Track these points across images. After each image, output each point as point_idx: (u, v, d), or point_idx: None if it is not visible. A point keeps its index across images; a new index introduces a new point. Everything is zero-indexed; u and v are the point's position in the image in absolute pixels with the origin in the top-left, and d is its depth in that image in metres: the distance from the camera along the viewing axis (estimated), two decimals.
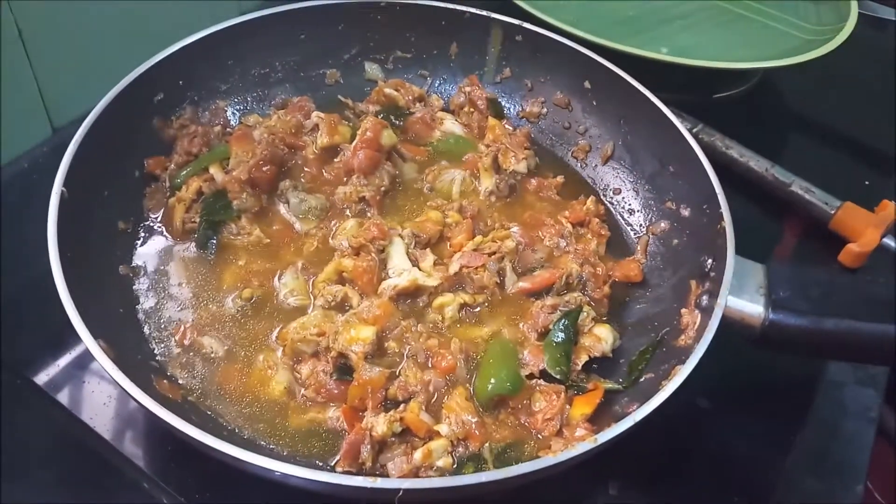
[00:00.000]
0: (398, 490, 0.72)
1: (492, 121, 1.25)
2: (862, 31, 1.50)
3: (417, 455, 0.84)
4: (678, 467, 1.00)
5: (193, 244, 1.06)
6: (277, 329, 0.98)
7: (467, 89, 1.28)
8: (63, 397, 0.98)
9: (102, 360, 0.78)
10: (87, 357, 1.01)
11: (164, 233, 1.08)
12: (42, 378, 0.99)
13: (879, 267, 1.24)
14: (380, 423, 0.85)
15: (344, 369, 0.91)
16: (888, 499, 1.40)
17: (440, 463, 0.84)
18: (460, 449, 0.87)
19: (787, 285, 0.91)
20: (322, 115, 1.18)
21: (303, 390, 0.92)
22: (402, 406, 0.88)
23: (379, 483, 0.72)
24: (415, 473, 0.84)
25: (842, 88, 1.62)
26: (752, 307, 0.89)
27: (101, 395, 0.98)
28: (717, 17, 1.63)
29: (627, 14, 1.62)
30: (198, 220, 1.06)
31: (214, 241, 1.06)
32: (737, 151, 1.35)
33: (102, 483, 0.91)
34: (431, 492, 0.74)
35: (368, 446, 0.84)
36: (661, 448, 0.99)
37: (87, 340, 0.79)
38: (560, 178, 1.20)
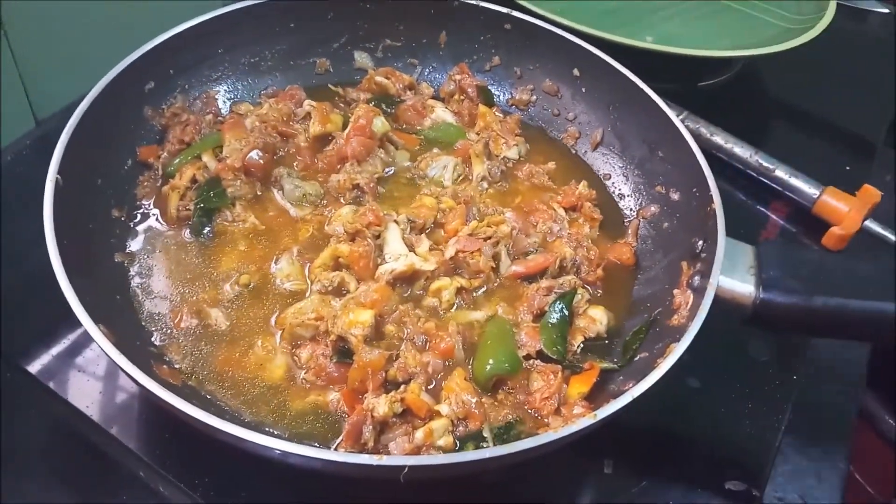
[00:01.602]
0: (403, 467, 0.73)
1: (482, 108, 1.26)
2: (840, 21, 1.53)
3: (419, 434, 0.85)
4: (671, 446, 1.02)
5: (188, 231, 1.06)
6: (275, 314, 0.98)
7: (457, 77, 1.29)
8: (57, 386, 0.97)
9: (105, 345, 0.78)
10: (79, 346, 1.01)
11: (159, 220, 1.07)
12: (35, 367, 0.98)
13: (861, 250, 1.27)
14: (381, 404, 0.85)
15: (343, 352, 0.92)
16: (875, 487, 1.43)
17: (441, 442, 0.85)
18: (460, 429, 0.88)
19: (776, 265, 0.92)
20: (314, 103, 1.18)
21: (303, 374, 0.93)
22: (402, 387, 0.89)
23: (385, 460, 0.73)
24: (417, 453, 0.84)
25: (822, 76, 1.65)
26: (743, 287, 0.91)
27: (96, 383, 0.98)
28: (699, 7, 1.66)
29: (611, 5, 1.64)
30: (192, 207, 1.06)
31: (209, 228, 1.06)
32: (721, 138, 1.37)
33: (99, 471, 0.91)
34: (436, 468, 0.75)
35: (370, 427, 0.84)
36: (653, 427, 1.01)
37: (89, 326, 0.79)
38: (552, 164, 1.21)
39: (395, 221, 1.04)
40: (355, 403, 0.88)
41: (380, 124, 1.16)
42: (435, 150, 1.21)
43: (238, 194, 1.08)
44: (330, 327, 0.92)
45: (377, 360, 0.89)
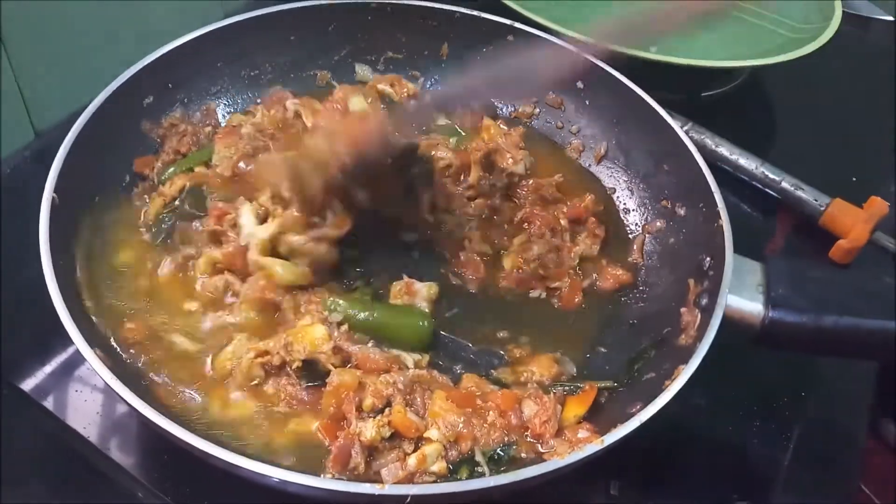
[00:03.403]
0: (406, 496, 0.71)
1: (486, 121, 1.24)
2: (846, 29, 1.51)
3: (412, 461, 0.82)
4: (678, 465, 1.00)
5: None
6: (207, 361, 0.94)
7: None
8: (52, 405, 0.96)
9: (101, 370, 0.77)
10: (75, 362, 1.00)
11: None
12: (29, 384, 0.97)
13: (869, 263, 1.25)
14: (368, 428, 0.83)
15: (311, 374, 0.90)
16: (881, 497, 1.42)
17: (434, 468, 0.83)
18: (453, 453, 0.85)
19: (785, 283, 0.91)
20: (297, 100, 1.16)
21: (275, 407, 0.90)
22: (387, 410, 0.86)
23: (387, 489, 0.72)
24: (410, 479, 0.82)
25: (827, 85, 1.63)
26: (751, 305, 0.90)
27: (92, 401, 0.96)
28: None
29: (614, 14, 1.62)
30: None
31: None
32: (727, 149, 1.36)
33: (96, 492, 0.90)
34: (439, 497, 0.74)
35: (359, 451, 0.82)
36: (660, 446, 0.99)
37: (85, 351, 0.78)
38: (559, 177, 1.19)
39: (249, 201, 1.01)
40: (337, 431, 0.85)
41: (357, 103, 1.13)
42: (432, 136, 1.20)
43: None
44: (287, 357, 0.89)
45: (350, 381, 0.87)
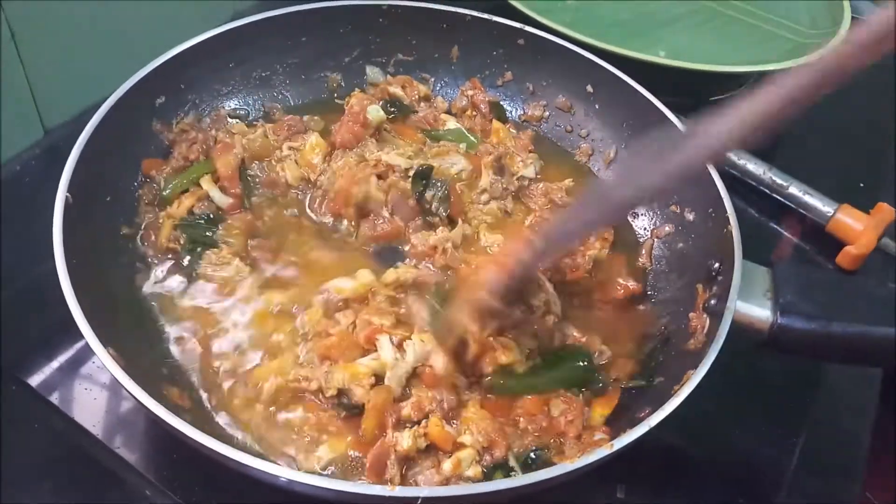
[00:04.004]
0: (417, 498, 0.72)
1: (496, 124, 1.24)
2: None
3: (447, 466, 0.83)
4: (685, 469, 1.01)
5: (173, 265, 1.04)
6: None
7: (469, 92, 1.28)
8: (59, 400, 0.96)
9: (114, 370, 0.77)
10: (82, 357, 1.00)
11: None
12: (36, 380, 0.98)
13: (876, 269, 1.25)
14: (404, 439, 0.83)
15: (346, 405, 0.89)
16: (883, 499, 1.42)
17: (469, 473, 0.84)
18: (487, 458, 0.86)
19: (793, 289, 0.91)
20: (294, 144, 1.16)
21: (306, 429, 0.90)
22: (423, 422, 0.87)
23: (398, 491, 0.72)
24: (445, 485, 0.83)
25: (836, 91, 1.63)
26: (760, 311, 0.90)
27: (100, 397, 0.97)
28: (711, 20, 1.64)
29: (622, 17, 1.62)
30: (182, 242, 1.04)
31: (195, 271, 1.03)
32: (735, 154, 1.36)
33: (103, 490, 0.90)
34: (449, 499, 0.74)
35: (394, 462, 0.83)
36: (667, 450, 1.00)
37: (98, 350, 0.78)
38: (569, 181, 1.20)
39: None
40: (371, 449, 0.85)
41: (375, 112, 1.14)
42: (442, 143, 1.19)
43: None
44: (324, 384, 0.89)
45: (386, 398, 0.87)
